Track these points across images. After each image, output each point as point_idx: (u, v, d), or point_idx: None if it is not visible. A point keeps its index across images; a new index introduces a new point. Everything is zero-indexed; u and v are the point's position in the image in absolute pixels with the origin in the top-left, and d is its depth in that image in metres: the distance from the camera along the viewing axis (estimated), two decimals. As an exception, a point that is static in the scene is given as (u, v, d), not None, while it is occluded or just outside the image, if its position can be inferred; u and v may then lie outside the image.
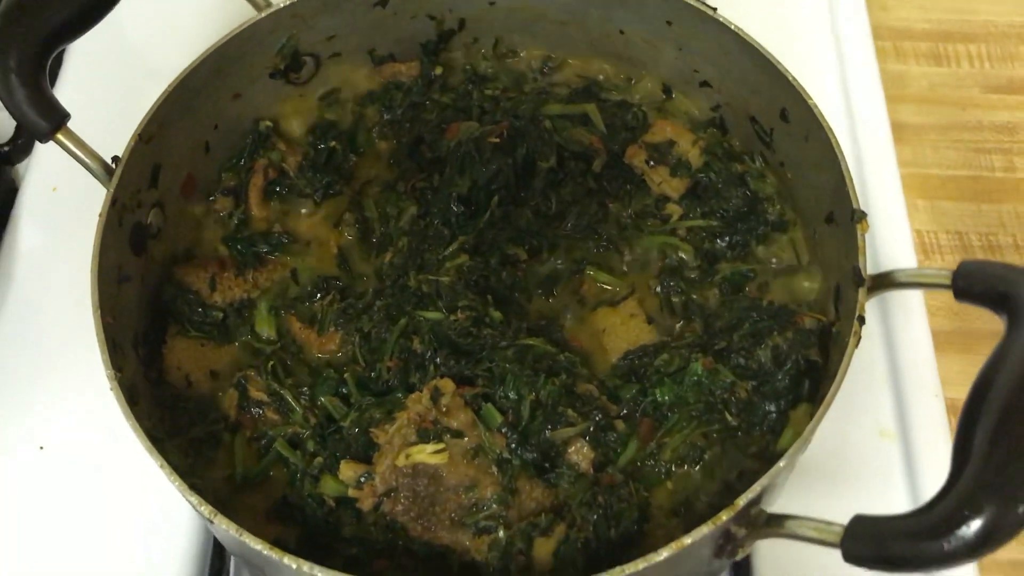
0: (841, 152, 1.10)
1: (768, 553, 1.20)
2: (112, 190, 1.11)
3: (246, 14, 1.26)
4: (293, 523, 1.06)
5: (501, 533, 1.00)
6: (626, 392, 1.11)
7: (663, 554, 0.86)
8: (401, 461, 1.01)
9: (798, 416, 1.07)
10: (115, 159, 1.12)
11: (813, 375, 1.09)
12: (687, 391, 1.09)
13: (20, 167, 1.57)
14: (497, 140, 1.27)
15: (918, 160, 1.66)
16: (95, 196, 1.10)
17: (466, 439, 1.03)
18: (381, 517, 1.02)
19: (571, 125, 1.32)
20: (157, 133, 1.17)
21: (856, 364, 0.99)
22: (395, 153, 1.35)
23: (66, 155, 1.12)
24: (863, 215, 1.06)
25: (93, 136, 1.13)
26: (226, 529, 0.90)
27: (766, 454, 1.07)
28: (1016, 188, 1.64)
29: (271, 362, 1.15)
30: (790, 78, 1.16)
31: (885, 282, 1.03)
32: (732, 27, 1.22)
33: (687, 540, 0.87)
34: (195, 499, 0.92)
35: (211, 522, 0.92)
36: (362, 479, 1.03)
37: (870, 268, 1.04)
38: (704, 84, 1.33)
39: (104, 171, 1.12)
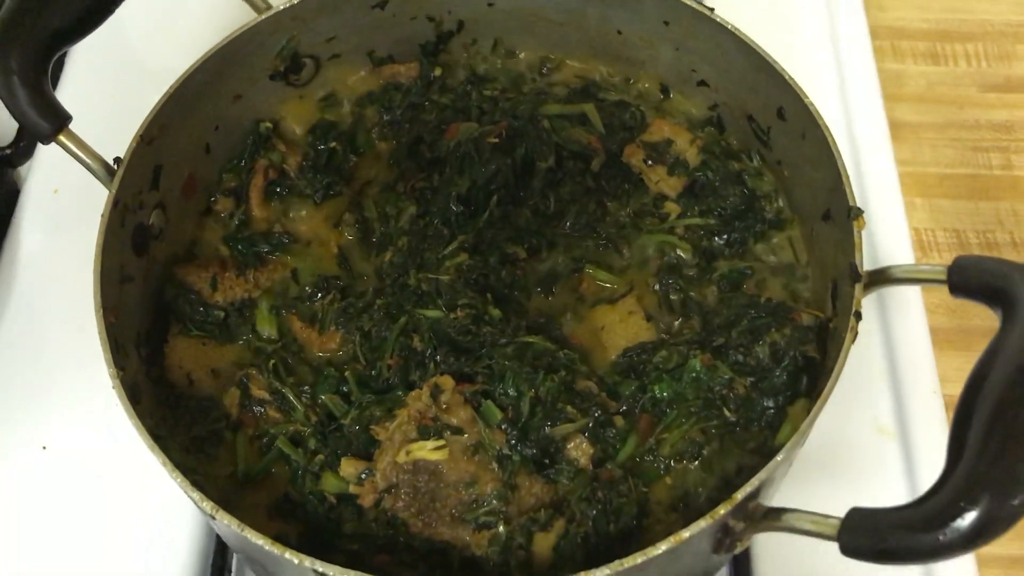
0: (837, 149, 1.10)
1: (768, 548, 1.21)
2: (114, 191, 1.11)
3: (246, 16, 1.27)
4: (295, 520, 1.07)
5: (501, 528, 1.00)
6: (625, 388, 1.11)
7: (661, 548, 0.87)
8: (402, 458, 1.02)
9: (796, 412, 1.07)
10: (117, 160, 1.13)
11: (811, 371, 1.10)
12: (686, 387, 1.10)
13: (22, 169, 1.58)
14: (496, 140, 1.28)
15: (916, 158, 1.67)
16: (97, 198, 1.11)
17: (466, 435, 1.03)
18: (382, 513, 1.03)
19: (569, 125, 1.32)
20: (158, 134, 1.18)
21: (854, 361, 0.99)
22: (395, 153, 1.35)
23: (68, 157, 1.12)
24: (859, 212, 1.06)
25: (95, 138, 1.14)
26: (228, 525, 0.91)
27: (764, 449, 1.08)
28: (1013, 186, 1.65)
29: (272, 361, 1.16)
30: (787, 77, 1.17)
31: (881, 278, 1.03)
32: (729, 27, 1.22)
33: (685, 534, 0.87)
34: (197, 495, 0.93)
35: (213, 518, 0.93)
36: (363, 476, 1.03)
37: (868, 265, 1.04)
38: (701, 83, 1.33)
39: (106, 172, 1.12)
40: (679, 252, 1.24)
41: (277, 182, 1.31)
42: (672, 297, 1.21)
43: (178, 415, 1.13)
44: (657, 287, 1.22)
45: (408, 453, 1.02)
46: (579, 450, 1.05)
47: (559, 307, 1.22)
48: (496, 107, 1.34)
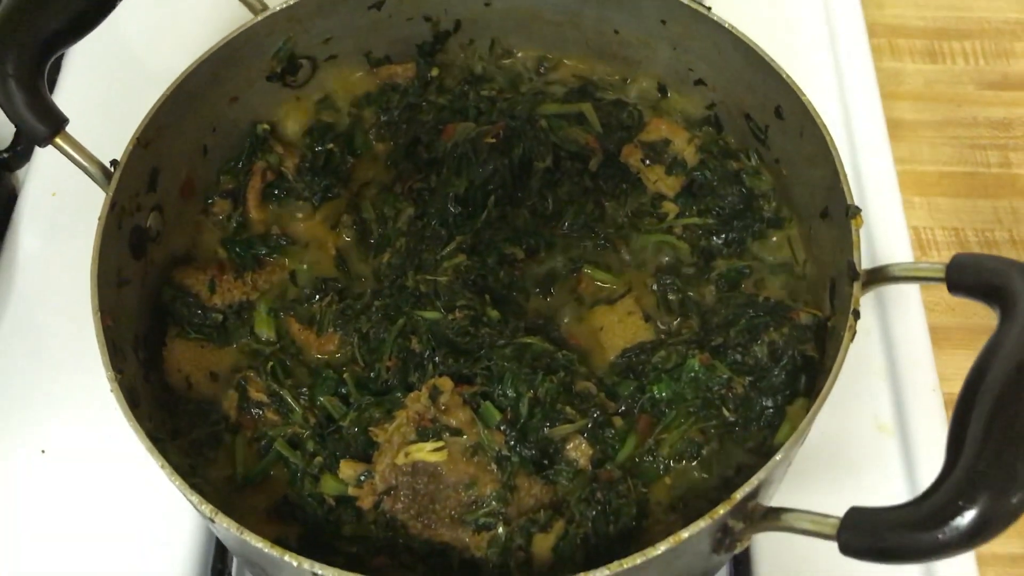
0: (835, 147, 1.10)
1: (767, 548, 1.21)
2: (111, 194, 1.11)
3: (242, 17, 1.27)
4: (294, 522, 1.06)
5: (500, 530, 1.00)
6: (624, 389, 1.11)
7: (661, 548, 0.86)
8: (400, 459, 1.01)
9: (795, 411, 1.07)
10: (114, 163, 1.13)
11: (810, 370, 1.10)
12: (684, 387, 1.10)
13: (19, 173, 1.58)
14: (493, 140, 1.27)
15: (914, 157, 1.67)
16: (94, 201, 1.10)
17: (465, 437, 1.03)
18: (381, 515, 1.02)
19: (567, 125, 1.32)
20: (155, 137, 1.18)
21: (854, 360, 0.99)
22: (392, 154, 1.35)
23: (65, 161, 1.12)
24: (857, 210, 1.06)
25: (91, 140, 1.13)
26: (227, 528, 0.91)
27: (763, 449, 1.07)
28: (1012, 183, 1.64)
29: (271, 363, 1.16)
30: (784, 75, 1.17)
31: (880, 276, 1.03)
32: (727, 25, 1.22)
33: (684, 534, 0.87)
34: (196, 498, 0.92)
35: (212, 521, 0.93)
36: (362, 478, 1.03)
37: (866, 264, 1.04)
38: (699, 82, 1.33)
39: (103, 175, 1.12)
40: (677, 252, 1.24)
41: (275, 184, 1.31)
42: (670, 297, 1.20)
43: (177, 418, 1.13)
44: (655, 287, 1.21)
45: (407, 455, 1.02)
46: (578, 451, 1.05)
47: (557, 308, 1.22)
48: (493, 107, 1.34)
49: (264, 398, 1.13)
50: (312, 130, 1.36)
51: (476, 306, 1.15)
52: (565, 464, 1.05)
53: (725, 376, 1.09)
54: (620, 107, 1.35)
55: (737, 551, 0.99)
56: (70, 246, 1.39)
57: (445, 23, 1.39)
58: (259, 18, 1.27)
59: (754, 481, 0.90)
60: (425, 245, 1.22)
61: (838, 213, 1.09)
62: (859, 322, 1.00)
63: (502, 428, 1.04)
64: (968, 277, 0.95)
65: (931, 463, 1.25)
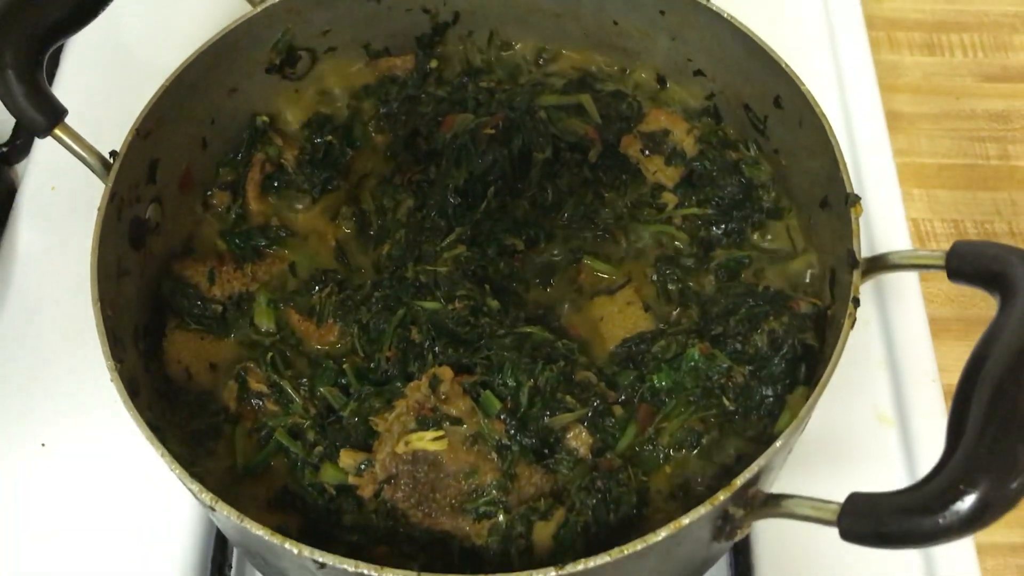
0: (834, 136, 1.10)
1: (767, 536, 1.21)
2: (110, 185, 1.11)
3: (241, 9, 1.27)
4: (294, 512, 1.06)
5: (501, 518, 1.00)
6: (624, 378, 1.11)
7: (661, 534, 0.86)
8: (401, 448, 1.01)
9: (795, 400, 1.07)
10: (113, 154, 1.13)
11: (809, 359, 1.10)
12: (684, 377, 1.10)
13: (19, 167, 1.58)
14: (493, 132, 1.27)
15: (913, 149, 1.67)
16: (93, 194, 1.10)
17: (465, 426, 1.03)
18: (381, 504, 1.02)
19: (566, 116, 1.32)
20: (154, 128, 1.17)
21: (853, 350, 0.99)
22: (391, 146, 1.35)
23: (64, 155, 1.12)
24: (857, 198, 1.06)
25: (91, 132, 1.13)
26: (227, 516, 0.91)
27: (763, 437, 1.07)
28: (1011, 175, 1.65)
29: (270, 354, 1.15)
30: (783, 65, 1.17)
31: (880, 264, 1.03)
32: (725, 16, 1.22)
33: (685, 520, 0.87)
34: (196, 487, 0.92)
35: (212, 510, 0.93)
36: (362, 467, 1.03)
37: (866, 254, 1.04)
38: (698, 73, 1.33)
39: (102, 166, 1.12)
40: (676, 242, 1.24)
41: (274, 176, 1.31)
42: (670, 287, 1.20)
43: (176, 409, 1.13)
44: (655, 277, 1.21)
45: (407, 444, 1.02)
46: (578, 440, 1.05)
47: (557, 298, 1.22)
48: (492, 98, 1.33)
49: (264, 389, 1.13)
50: (311, 122, 1.36)
51: (476, 296, 1.15)
52: (565, 453, 1.05)
53: (725, 365, 1.09)
54: (619, 98, 1.35)
55: (737, 539, 0.99)
56: (69, 240, 1.40)
57: (444, 15, 1.39)
58: (258, 10, 1.26)
59: (754, 467, 0.90)
60: (425, 236, 1.22)
61: (838, 202, 1.09)
62: (859, 313, 1.00)
63: (502, 417, 1.04)
64: (968, 264, 0.95)
65: (930, 452, 1.25)
